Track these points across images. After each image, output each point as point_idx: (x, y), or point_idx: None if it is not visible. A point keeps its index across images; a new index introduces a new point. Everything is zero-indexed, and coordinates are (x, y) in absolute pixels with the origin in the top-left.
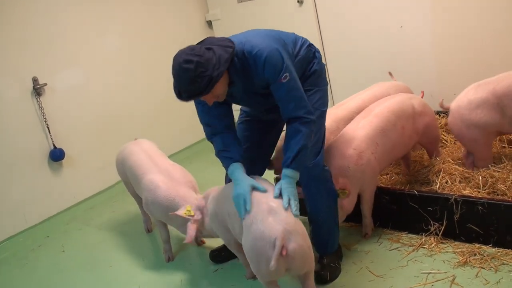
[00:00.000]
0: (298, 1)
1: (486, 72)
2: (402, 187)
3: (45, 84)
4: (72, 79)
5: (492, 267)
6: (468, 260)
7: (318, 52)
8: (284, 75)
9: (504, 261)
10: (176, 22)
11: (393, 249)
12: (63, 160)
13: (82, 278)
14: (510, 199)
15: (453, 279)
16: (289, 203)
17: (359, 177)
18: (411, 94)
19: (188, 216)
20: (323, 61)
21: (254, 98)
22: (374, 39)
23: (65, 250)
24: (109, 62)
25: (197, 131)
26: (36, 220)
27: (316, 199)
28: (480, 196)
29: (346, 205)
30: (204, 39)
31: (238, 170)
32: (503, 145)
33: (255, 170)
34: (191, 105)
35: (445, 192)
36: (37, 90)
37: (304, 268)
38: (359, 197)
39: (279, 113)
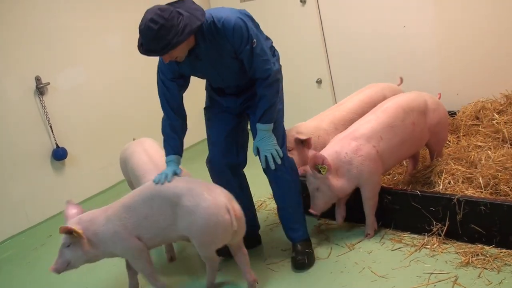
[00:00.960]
0: (301, 1)
1: (489, 71)
2: (405, 187)
3: (48, 84)
4: (75, 78)
5: (494, 267)
6: (470, 261)
7: (277, 52)
8: (253, 41)
9: (506, 262)
10: None
11: (395, 249)
12: (65, 159)
13: (84, 277)
14: None
15: (456, 280)
16: (266, 160)
17: (355, 167)
18: (424, 92)
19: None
20: (326, 62)
21: (220, 68)
22: (377, 39)
23: None
24: (112, 61)
25: (199, 131)
26: (39, 219)
27: (284, 187)
28: (482, 196)
29: (335, 185)
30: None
31: (172, 162)
32: (506, 145)
33: (237, 157)
34: (192, 106)
35: (447, 192)
36: (40, 89)
37: (244, 230)
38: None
39: (242, 99)
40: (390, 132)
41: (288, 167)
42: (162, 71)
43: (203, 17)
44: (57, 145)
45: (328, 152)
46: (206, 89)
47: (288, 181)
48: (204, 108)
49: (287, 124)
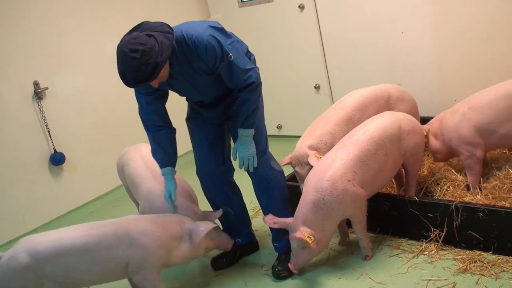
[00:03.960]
0: (299, 7)
1: (488, 78)
2: (403, 194)
3: (46, 88)
4: (73, 83)
5: (492, 274)
6: (468, 267)
7: (253, 55)
8: (228, 56)
9: (504, 268)
10: None
11: (393, 256)
12: (63, 164)
13: None
14: (510, 206)
15: (454, 286)
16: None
17: (337, 208)
18: (398, 113)
19: None
20: (324, 68)
21: (195, 84)
22: (375, 45)
23: None
24: (110, 66)
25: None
26: (36, 224)
27: (269, 197)
28: (480, 203)
29: (323, 241)
30: (141, 23)
31: (166, 175)
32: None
33: (223, 165)
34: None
35: (445, 198)
36: (38, 94)
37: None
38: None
39: (223, 107)
40: (363, 166)
41: (271, 173)
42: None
43: (170, 28)
44: (55, 150)
45: (306, 207)
46: (187, 99)
47: (273, 187)
48: (186, 119)
49: (287, 130)
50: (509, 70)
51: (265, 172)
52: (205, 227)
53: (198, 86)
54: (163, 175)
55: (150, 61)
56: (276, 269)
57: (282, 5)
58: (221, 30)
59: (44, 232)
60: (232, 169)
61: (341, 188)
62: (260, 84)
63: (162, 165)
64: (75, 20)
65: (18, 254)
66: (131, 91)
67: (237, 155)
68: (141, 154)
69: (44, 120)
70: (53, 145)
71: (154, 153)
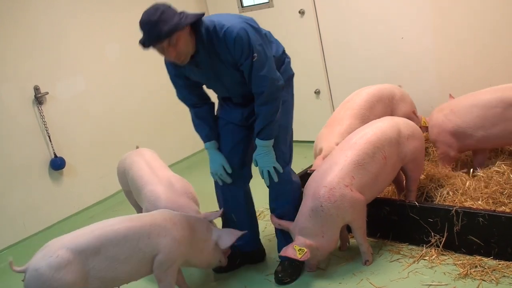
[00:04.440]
0: (299, 12)
1: (487, 82)
2: (403, 198)
3: (47, 93)
4: (73, 88)
5: (493, 279)
6: (469, 272)
7: (288, 58)
8: (253, 55)
9: (505, 274)
10: None
11: (393, 261)
12: (63, 169)
13: None
14: (510, 211)
15: None
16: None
17: (335, 214)
18: (397, 118)
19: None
20: (324, 73)
21: (221, 77)
22: (375, 50)
23: None
24: (110, 71)
25: (198, 141)
26: (36, 229)
27: (283, 208)
28: (481, 208)
29: (325, 246)
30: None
31: (211, 149)
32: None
33: (240, 170)
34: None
35: (445, 203)
36: (39, 98)
37: None
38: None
39: (250, 109)
40: (361, 170)
41: (291, 189)
42: (168, 68)
43: (201, 13)
44: (55, 154)
45: (304, 215)
46: (218, 97)
47: (288, 200)
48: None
49: None
50: (509, 76)
51: (283, 187)
52: (235, 234)
53: (224, 80)
54: (206, 149)
55: (169, 20)
56: (279, 275)
57: (283, 10)
58: (255, 28)
59: (70, 233)
60: (249, 176)
61: (339, 194)
62: (275, 99)
63: (206, 139)
64: (76, 25)
65: (56, 252)
66: (132, 96)
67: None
68: (144, 158)
69: (44, 124)
70: (53, 149)
71: (198, 128)
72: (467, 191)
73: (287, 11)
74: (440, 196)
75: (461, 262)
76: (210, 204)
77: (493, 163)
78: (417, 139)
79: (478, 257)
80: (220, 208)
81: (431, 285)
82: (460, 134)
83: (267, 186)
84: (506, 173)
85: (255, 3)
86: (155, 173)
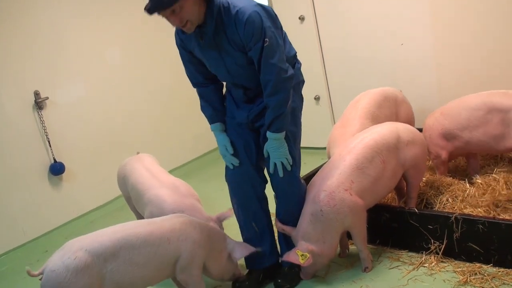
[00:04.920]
0: (299, 18)
1: (487, 88)
2: (403, 205)
3: (47, 98)
4: (73, 93)
5: (493, 286)
6: (468, 280)
7: (299, 63)
8: (265, 39)
9: (505, 281)
10: None
11: (393, 268)
12: (63, 174)
13: None
14: (510, 218)
15: None
16: (275, 168)
17: (335, 218)
18: (398, 124)
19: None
20: (324, 79)
21: (225, 58)
22: (375, 56)
23: None
24: (111, 77)
25: (196, 147)
26: (35, 234)
27: (288, 213)
28: (480, 215)
29: (326, 252)
30: None
31: (216, 131)
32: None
33: (256, 173)
34: (191, 122)
35: (445, 210)
36: (39, 103)
37: None
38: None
39: (257, 107)
40: (360, 175)
41: (297, 192)
42: (176, 38)
43: None
44: (54, 159)
45: (305, 220)
46: (226, 90)
47: (294, 201)
48: (226, 117)
49: None
50: (510, 81)
51: (292, 188)
52: (248, 248)
53: (227, 62)
54: (212, 131)
55: None
56: (278, 280)
57: (282, 16)
58: (271, 15)
59: (90, 234)
60: (264, 180)
61: (338, 198)
62: (284, 89)
63: (211, 121)
64: (76, 30)
65: (74, 254)
66: (132, 101)
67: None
68: (143, 164)
69: (44, 129)
70: (53, 154)
71: (203, 109)
72: (466, 198)
73: (287, 17)
74: (439, 203)
75: (460, 269)
76: (211, 208)
77: (492, 170)
78: (418, 146)
79: (478, 264)
80: (236, 214)
81: None
82: (448, 135)
83: (273, 189)
84: (501, 182)
85: None
86: (157, 178)
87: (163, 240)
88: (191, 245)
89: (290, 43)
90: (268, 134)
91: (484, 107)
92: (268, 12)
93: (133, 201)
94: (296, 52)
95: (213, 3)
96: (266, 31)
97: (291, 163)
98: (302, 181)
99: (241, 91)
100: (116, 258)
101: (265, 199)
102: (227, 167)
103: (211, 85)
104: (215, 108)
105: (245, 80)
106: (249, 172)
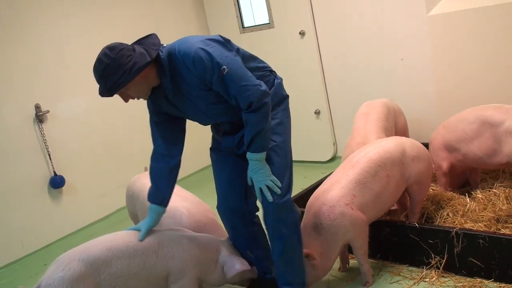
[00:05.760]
0: (300, 33)
1: (487, 102)
2: (403, 219)
3: (48, 111)
4: (74, 107)
5: None
6: None
7: (279, 79)
8: (221, 68)
9: None
10: None
11: (393, 282)
12: (63, 187)
13: None
14: (511, 233)
15: None
16: (262, 193)
17: (335, 232)
18: (404, 138)
19: None
20: (324, 93)
21: (196, 103)
22: (375, 71)
23: None
24: None
25: (195, 161)
26: (34, 247)
27: (281, 242)
28: (481, 230)
29: (321, 264)
30: (150, 34)
31: (150, 212)
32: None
33: (244, 203)
34: (190, 135)
35: (446, 225)
36: (39, 117)
37: None
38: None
39: (240, 136)
40: (362, 189)
41: (289, 222)
42: (148, 105)
43: (155, 52)
44: (55, 173)
45: (305, 232)
46: (212, 133)
47: (288, 238)
48: (210, 149)
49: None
50: (508, 96)
51: (285, 216)
52: (240, 267)
53: (198, 104)
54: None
55: (113, 78)
56: None
57: (283, 31)
58: (220, 42)
59: (82, 244)
60: (255, 209)
61: (339, 212)
62: (264, 104)
63: (148, 199)
64: (77, 45)
65: (68, 265)
66: (133, 115)
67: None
68: None
69: (44, 143)
70: (53, 168)
71: (151, 189)
72: (467, 213)
73: (287, 32)
74: (440, 217)
75: (461, 284)
76: None
77: (492, 184)
78: (423, 161)
79: (479, 279)
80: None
81: None
82: (448, 147)
83: (263, 212)
84: (501, 197)
85: (256, 24)
86: (174, 193)
87: (151, 253)
88: (178, 263)
89: (256, 59)
90: (248, 155)
91: (478, 121)
92: (214, 41)
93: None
94: (268, 66)
95: (160, 62)
96: (219, 61)
97: (278, 185)
98: (296, 207)
99: (228, 125)
100: (109, 266)
101: (257, 224)
102: (217, 201)
103: (163, 162)
104: (157, 187)
105: (225, 116)
106: (234, 205)
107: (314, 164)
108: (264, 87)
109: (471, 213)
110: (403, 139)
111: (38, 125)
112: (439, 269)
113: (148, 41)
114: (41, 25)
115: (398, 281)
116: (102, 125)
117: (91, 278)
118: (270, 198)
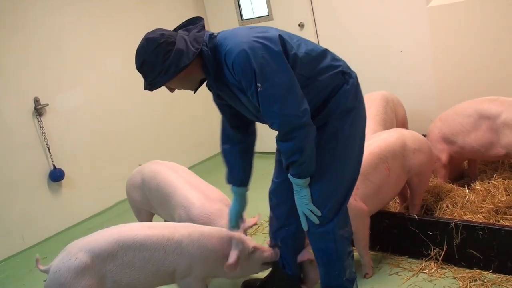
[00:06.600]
0: (299, 25)
1: (486, 95)
2: (402, 211)
3: (47, 105)
4: (73, 100)
5: None
6: (468, 286)
7: (349, 83)
8: (257, 85)
9: (504, 287)
10: None
11: (393, 274)
12: (62, 181)
13: None
14: (510, 225)
15: None
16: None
17: None
18: (406, 131)
19: None
20: None
21: (237, 101)
22: (374, 63)
23: None
24: (110, 83)
25: (198, 152)
26: (34, 240)
27: (326, 271)
28: (480, 221)
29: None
30: (197, 20)
31: (233, 193)
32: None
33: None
34: (191, 126)
35: (445, 216)
36: (39, 110)
37: None
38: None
39: None
40: (364, 181)
41: (329, 252)
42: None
43: (195, 52)
44: (54, 166)
45: None
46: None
47: (329, 267)
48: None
49: None
50: (510, 89)
51: (319, 244)
52: (234, 255)
53: (244, 102)
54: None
55: (151, 75)
56: None
57: (282, 23)
58: (266, 48)
59: (90, 235)
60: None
61: None
62: (293, 138)
63: (227, 181)
64: (76, 37)
65: (75, 255)
66: (132, 108)
67: None
68: (167, 166)
69: (44, 136)
70: (53, 161)
71: (227, 167)
72: (466, 204)
73: (286, 24)
74: (439, 209)
75: (460, 275)
76: None
77: (491, 176)
78: (424, 154)
79: (478, 271)
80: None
81: None
82: (445, 139)
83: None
84: (500, 188)
85: (255, 16)
86: (186, 180)
87: (159, 248)
88: (186, 261)
89: (326, 57)
90: (289, 176)
91: (475, 114)
92: (266, 47)
93: (158, 206)
94: (341, 65)
95: (204, 56)
96: (256, 74)
97: (317, 214)
98: (343, 237)
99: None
100: (115, 258)
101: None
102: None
103: (228, 144)
104: (231, 169)
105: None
106: (285, 214)
107: None
108: (303, 119)
109: (470, 205)
110: (404, 132)
111: (37, 119)
112: (438, 260)
113: (193, 31)
114: (39, 18)
115: (397, 272)
116: (101, 118)
117: (96, 269)
118: (305, 227)
